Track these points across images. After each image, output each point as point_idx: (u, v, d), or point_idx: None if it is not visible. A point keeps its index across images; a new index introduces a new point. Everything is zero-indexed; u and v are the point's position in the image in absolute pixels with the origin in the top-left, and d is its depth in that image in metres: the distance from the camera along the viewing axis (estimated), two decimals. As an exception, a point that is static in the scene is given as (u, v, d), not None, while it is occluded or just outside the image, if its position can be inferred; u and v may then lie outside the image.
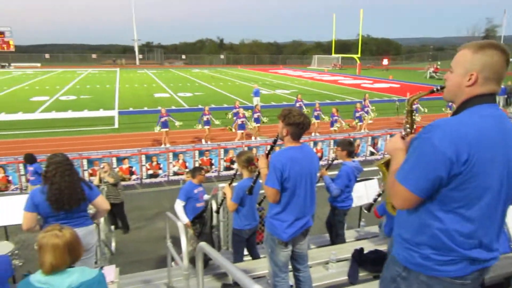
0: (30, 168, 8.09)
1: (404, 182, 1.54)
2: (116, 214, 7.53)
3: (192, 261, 3.03)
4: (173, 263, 4.30)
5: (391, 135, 12.48)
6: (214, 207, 4.89)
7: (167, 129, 13.04)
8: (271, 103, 23.04)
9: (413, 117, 1.94)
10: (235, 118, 13.85)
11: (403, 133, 1.87)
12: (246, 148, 10.55)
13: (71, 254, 1.97)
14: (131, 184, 9.98)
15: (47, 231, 1.98)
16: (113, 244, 6.59)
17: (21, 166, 9.11)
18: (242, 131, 13.68)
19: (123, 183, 8.81)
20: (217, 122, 13.59)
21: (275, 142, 3.18)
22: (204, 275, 3.94)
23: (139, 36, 75.96)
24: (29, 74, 46.07)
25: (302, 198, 2.92)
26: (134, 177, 10.03)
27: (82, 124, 16.98)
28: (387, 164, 1.86)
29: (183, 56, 78.09)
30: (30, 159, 8.07)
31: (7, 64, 59.83)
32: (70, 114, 19.21)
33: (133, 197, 9.34)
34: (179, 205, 5.15)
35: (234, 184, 4.10)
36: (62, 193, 3.14)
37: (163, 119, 12.91)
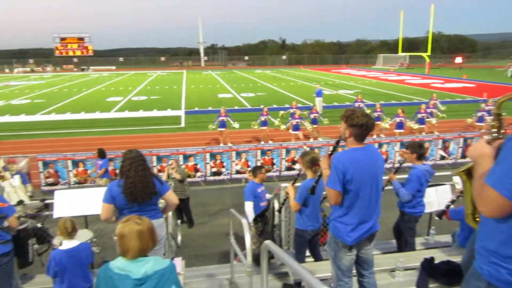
0: (99, 162, 8.73)
1: (497, 187, 1.39)
2: (182, 209, 7.85)
3: (254, 258, 3.07)
4: (235, 259, 4.38)
5: (465, 139, 11.62)
6: (276, 206, 4.90)
7: (223, 129, 13.34)
8: (334, 103, 22.61)
9: (501, 120, 1.76)
10: (290, 118, 13.79)
11: (489, 137, 1.72)
12: (308, 149, 10.45)
13: (152, 240, 2.10)
14: (196, 181, 10.35)
15: (126, 220, 2.11)
16: (179, 238, 6.88)
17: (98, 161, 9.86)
18: (297, 132, 13.56)
19: (188, 179, 9.16)
20: (276, 122, 13.62)
21: (337, 142, 3.10)
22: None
23: (204, 39, 78.76)
24: (105, 76, 49.78)
25: (366, 201, 2.82)
26: (198, 174, 10.40)
27: (152, 123, 17.97)
28: (468, 172, 1.72)
29: (246, 57, 79.39)
30: (102, 154, 8.73)
31: (86, 67, 65.18)
32: (141, 114, 20.43)
33: (198, 193, 9.67)
34: (249, 206, 5.20)
35: (298, 184, 4.08)
36: (136, 187, 3.34)
37: (220, 119, 13.22)
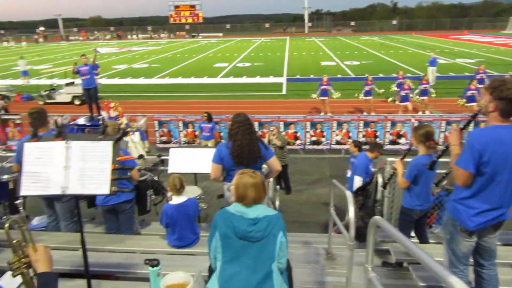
0: (208, 125, 9.25)
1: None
2: (281, 176, 7.99)
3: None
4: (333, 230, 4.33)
5: None
6: (380, 181, 4.66)
7: (326, 98, 12.96)
8: (449, 73, 20.40)
9: None
10: (398, 89, 12.77)
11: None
12: (416, 123, 9.67)
13: (264, 192, 2.33)
14: (295, 149, 10.40)
15: (242, 173, 2.34)
16: (277, 203, 7.04)
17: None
18: (406, 103, 12.51)
19: (288, 147, 9.25)
20: (380, 91, 12.78)
21: (474, 116, 2.73)
22: (362, 249, 3.86)
23: (309, 4, 76.56)
24: (213, 43, 52.03)
25: (502, 187, 2.45)
26: (298, 142, 10.42)
27: (254, 89, 18.38)
28: None
29: (352, 23, 75.40)
30: (209, 117, 9.23)
31: (196, 34, 68.74)
32: (244, 80, 21.01)
33: (296, 161, 9.74)
34: (359, 182, 5.11)
35: (407, 160, 3.79)
36: (243, 150, 3.45)
37: (322, 87, 12.84)
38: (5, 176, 4.44)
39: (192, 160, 4.55)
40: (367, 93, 12.96)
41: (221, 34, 70.40)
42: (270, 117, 10.44)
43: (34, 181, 2.00)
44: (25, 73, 20.92)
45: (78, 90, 15.61)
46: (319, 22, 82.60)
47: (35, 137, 2.04)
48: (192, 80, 21.24)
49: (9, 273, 2.89)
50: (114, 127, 4.21)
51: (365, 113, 12.39)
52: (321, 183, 8.41)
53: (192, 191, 4.22)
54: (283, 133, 9.95)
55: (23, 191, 2.02)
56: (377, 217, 2.03)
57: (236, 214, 2.22)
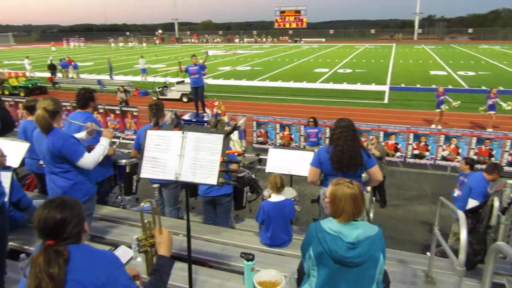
0: (314, 130, 9.21)
1: None
2: (377, 187, 7.62)
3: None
4: (428, 252, 3.98)
5: None
6: (497, 205, 4.15)
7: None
8: None
9: None
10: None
11: None
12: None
13: (363, 204, 2.08)
14: (394, 161, 9.84)
15: (337, 183, 2.11)
16: (371, 215, 6.74)
17: (302, 127, 10.49)
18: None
19: (387, 158, 8.79)
20: (508, 107, 11.39)
21: None
22: (471, 278, 3.47)
23: (421, 9, 71.82)
24: (314, 48, 51.94)
25: None
26: (398, 154, 9.83)
27: (354, 96, 17.87)
28: None
29: (470, 30, 68.66)
30: (315, 122, 9.21)
31: (299, 39, 69.32)
32: (344, 86, 20.55)
33: (394, 174, 9.20)
34: (474, 205, 4.67)
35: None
36: (344, 156, 3.37)
37: (440, 98, 11.93)
38: (124, 161, 4.98)
39: (290, 161, 4.59)
40: (491, 108, 11.76)
41: (323, 40, 69.94)
42: (370, 125, 10.02)
43: (153, 165, 2.21)
44: (144, 71, 23.35)
45: (187, 88, 16.87)
46: (430, 28, 76.95)
47: (157, 126, 2.24)
48: (292, 84, 21.46)
49: (123, 246, 3.24)
50: (221, 123, 4.48)
51: (489, 129, 11.23)
52: (420, 200, 7.84)
53: (287, 192, 4.25)
54: (383, 143, 9.48)
55: (143, 174, 2.24)
56: (501, 243, 1.79)
57: (333, 234, 1.99)
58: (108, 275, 1.53)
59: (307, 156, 4.30)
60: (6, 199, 2.93)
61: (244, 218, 4.96)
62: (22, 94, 18.41)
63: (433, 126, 11.76)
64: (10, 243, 3.29)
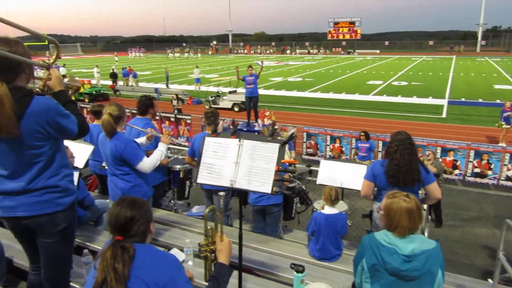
0: (365, 145, 8.99)
1: None
2: (432, 205, 7.25)
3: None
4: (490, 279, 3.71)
5: None
6: None
7: (509, 126, 11.21)
8: None
9: None
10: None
11: None
12: None
13: (420, 219, 2.01)
14: (452, 179, 9.32)
15: (394, 196, 2.06)
16: (426, 234, 6.43)
17: (353, 140, 10.28)
18: None
19: (444, 175, 8.35)
20: None
21: None
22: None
23: (485, 20, 67.90)
24: (368, 60, 50.83)
25: None
26: (456, 171, 9.31)
27: (410, 109, 17.21)
28: None
29: (541, 41, 63.83)
30: (367, 136, 8.99)
31: (352, 50, 68.24)
32: (399, 99, 19.87)
33: (451, 192, 8.69)
34: None
35: None
36: (400, 170, 3.26)
37: (506, 114, 11.19)
38: (178, 166, 5.17)
39: (342, 174, 4.51)
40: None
41: (378, 51, 68.32)
42: (426, 140, 9.59)
43: (209, 172, 2.28)
44: (198, 80, 24.14)
45: (238, 98, 17.24)
46: (495, 40, 72.45)
47: (214, 133, 2.31)
48: (343, 96, 21.14)
49: (175, 249, 3.34)
50: (277, 133, 4.52)
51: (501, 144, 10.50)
52: (480, 222, 7.34)
53: (339, 205, 4.17)
54: (440, 160, 9.02)
55: (199, 179, 2.31)
56: None
57: (387, 246, 1.94)
58: (170, 275, 1.60)
59: (360, 169, 4.21)
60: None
61: (293, 229, 4.92)
62: (86, 100, 19.73)
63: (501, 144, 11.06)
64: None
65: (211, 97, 18.29)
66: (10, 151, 2.13)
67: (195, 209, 5.64)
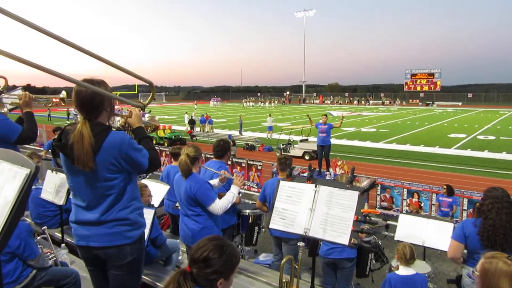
0: (448, 200, 8.26)
1: None
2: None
3: None
4: None
5: None
6: None
7: None
8: None
9: None
10: None
11: None
12: None
13: None
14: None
15: (493, 257, 1.80)
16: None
17: (433, 196, 9.49)
18: None
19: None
20: None
21: None
22: None
23: None
24: (449, 112, 48.17)
25: None
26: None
27: (499, 166, 15.66)
28: None
29: None
30: (451, 191, 8.28)
31: (431, 102, 65.44)
32: (486, 154, 18.26)
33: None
34: None
35: None
36: (496, 231, 2.86)
37: None
38: (248, 211, 5.12)
39: (424, 231, 4.09)
40: None
41: (459, 104, 64.65)
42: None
43: (282, 217, 2.18)
44: (270, 128, 24.63)
45: (309, 146, 17.13)
46: None
47: (290, 177, 2.24)
48: (422, 149, 19.99)
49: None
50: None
51: None
52: None
53: (419, 266, 3.75)
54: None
55: (272, 225, 2.23)
56: None
57: None
58: None
59: (445, 227, 3.79)
60: (146, 232, 3.22)
61: (366, 288, 4.52)
62: (165, 144, 21.03)
63: None
64: (143, 276, 3.57)
65: (282, 144, 18.43)
66: (87, 183, 2.26)
67: (262, 257, 5.48)
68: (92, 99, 2.17)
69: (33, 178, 1.57)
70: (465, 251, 3.21)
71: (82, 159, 2.13)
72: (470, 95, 69.67)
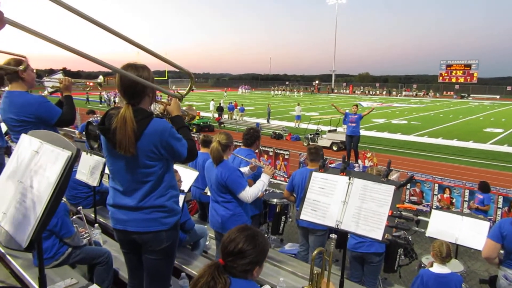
0: (480, 196, 7.98)
1: None
2: None
3: None
4: None
5: None
6: None
7: None
8: None
9: None
10: None
11: None
12: None
13: None
14: None
15: None
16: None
17: (466, 192, 9.18)
18: None
19: None
20: None
21: None
22: None
23: None
24: (485, 105, 46.29)
25: None
26: None
27: (538, 163, 14.95)
28: None
29: None
30: (484, 187, 8.00)
31: (466, 94, 63.00)
32: (525, 151, 17.47)
33: None
34: None
35: None
36: (537, 233, 2.73)
37: None
38: (275, 200, 5.12)
39: (457, 228, 3.96)
40: None
41: (497, 97, 61.89)
42: None
43: (314, 208, 2.16)
44: (298, 118, 24.45)
45: (337, 137, 16.91)
46: None
47: (322, 168, 2.21)
48: (455, 143, 19.33)
49: (267, 286, 3.23)
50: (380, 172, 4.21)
51: None
52: None
53: (452, 265, 3.65)
54: None
55: (303, 216, 2.21)
56: None
57: None
58: None
59: (481, 225, 3.66)
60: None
61: (393, 283, 4.45)
62: (194, 130, 21.29)
63: None
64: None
65: (310, 134, 18.27)
66: (127, 168, 2.30)
67: (287, 246, 5.49)
68: (135, 84, 2.19)
69: (75, 161, 1.62)
70: (502, 251, 3.09)
71: (124, 144, 2.16)
72: (509, 88, 66.41)
